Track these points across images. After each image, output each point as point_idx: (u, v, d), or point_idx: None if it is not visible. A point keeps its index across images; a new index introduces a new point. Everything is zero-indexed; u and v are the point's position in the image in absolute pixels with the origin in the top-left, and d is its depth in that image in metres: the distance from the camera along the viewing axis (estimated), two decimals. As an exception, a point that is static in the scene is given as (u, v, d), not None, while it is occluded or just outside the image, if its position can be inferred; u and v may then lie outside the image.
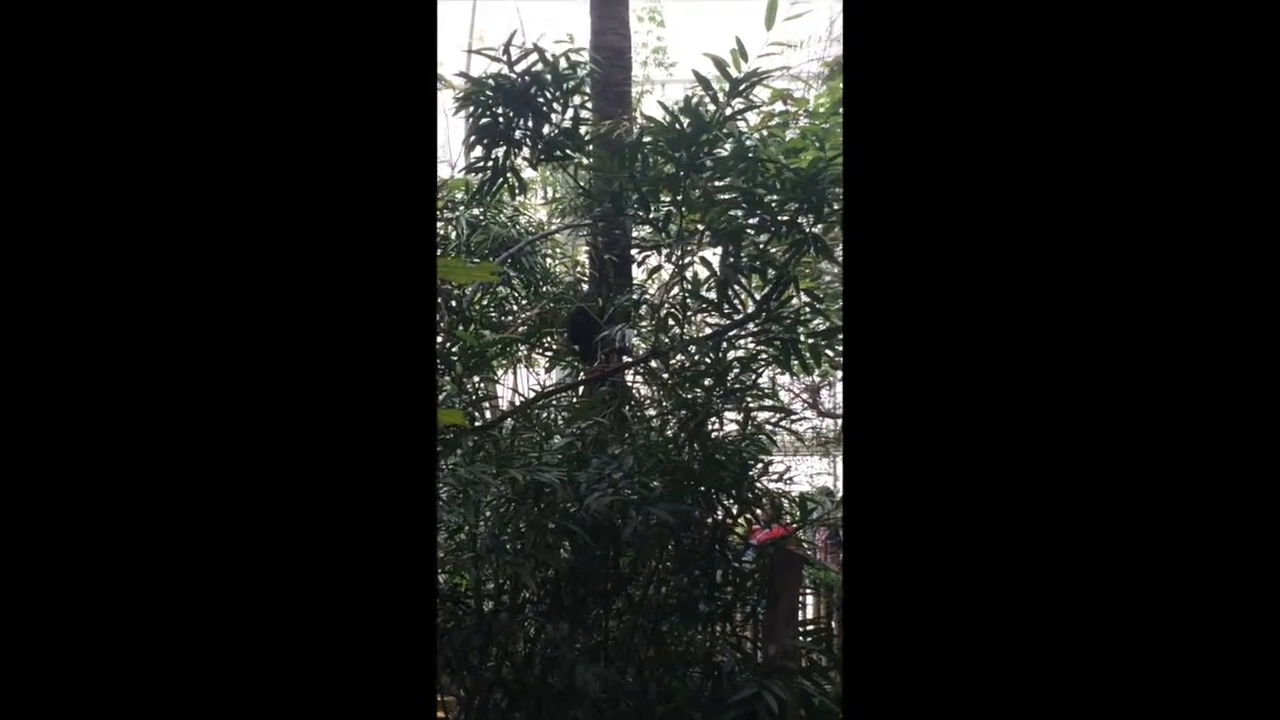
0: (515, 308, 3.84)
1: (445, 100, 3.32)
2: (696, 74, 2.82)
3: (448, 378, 3.08)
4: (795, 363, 2.91)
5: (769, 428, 3.06)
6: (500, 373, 3.96)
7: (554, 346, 3.76)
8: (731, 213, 2.85)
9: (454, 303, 3.37)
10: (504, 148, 3.14)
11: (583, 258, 4.16)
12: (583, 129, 3.18)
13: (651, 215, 3.04)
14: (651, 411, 3.28)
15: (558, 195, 4.60)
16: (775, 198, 2.76)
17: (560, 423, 3.31)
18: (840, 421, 7.50)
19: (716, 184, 2.83)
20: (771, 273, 2.88)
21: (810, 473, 8.31)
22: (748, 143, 2.81)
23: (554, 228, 4.12)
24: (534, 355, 3.97)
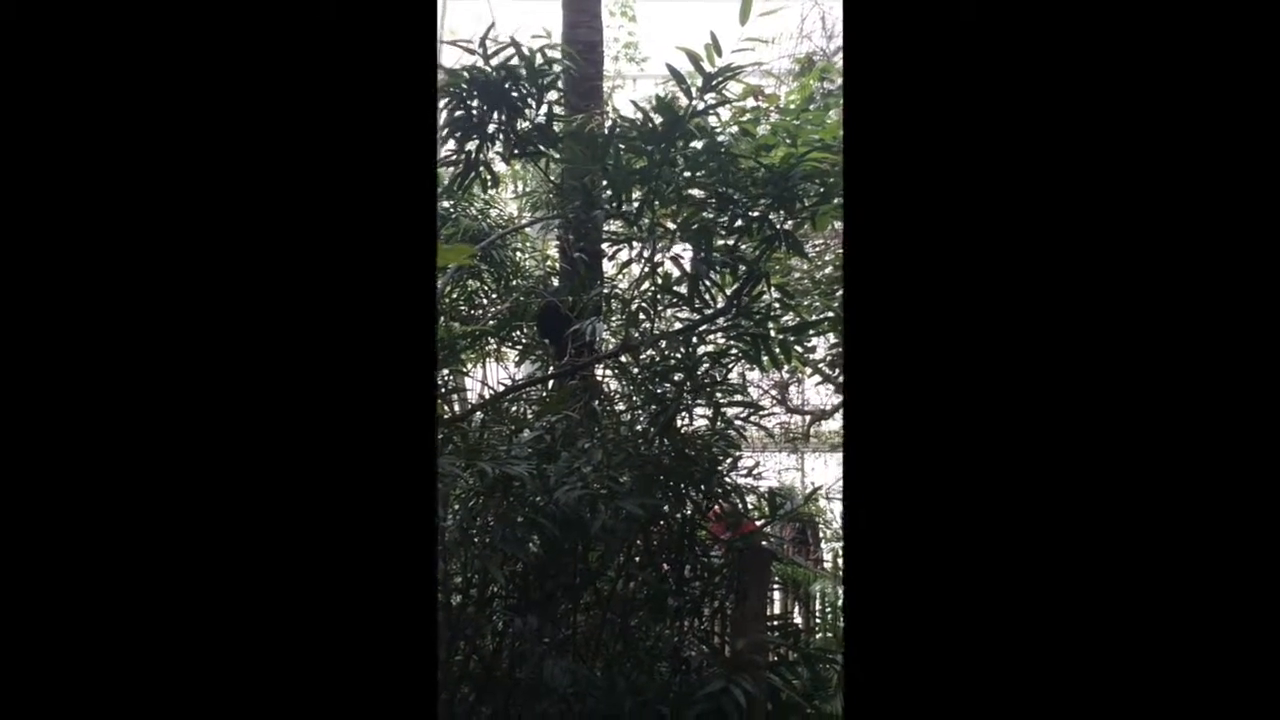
0: (485, 301, 3.83)
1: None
2: (670, 68, 2.82)
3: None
4: (765, 358, 2.92)
5: (738, 423, 3.07)
6: (470, 366, 3.94)
7: (524, 340, 3.75)
8: (704, 214, 2.85)
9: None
10: (477, 141, 3.13)
11: (553, 251, 4.14)
12: (555, 124, 3.17)
13: (623, 209, 3.04)
14: (621, 406, 3.28)
15: (528, 189, 4.58)
16: (746, 195, 2.76)
17: (530, 416, 3.30)
18: (809, 418, 7.55)
19: (687, 176, 2.83)
20: (742, 268, 2.89)
21: (779, 468, 8.36)
22: (720, 138, 2.81)
23: (525, 221, 4.10)
24: (504, 349, 3.95)
